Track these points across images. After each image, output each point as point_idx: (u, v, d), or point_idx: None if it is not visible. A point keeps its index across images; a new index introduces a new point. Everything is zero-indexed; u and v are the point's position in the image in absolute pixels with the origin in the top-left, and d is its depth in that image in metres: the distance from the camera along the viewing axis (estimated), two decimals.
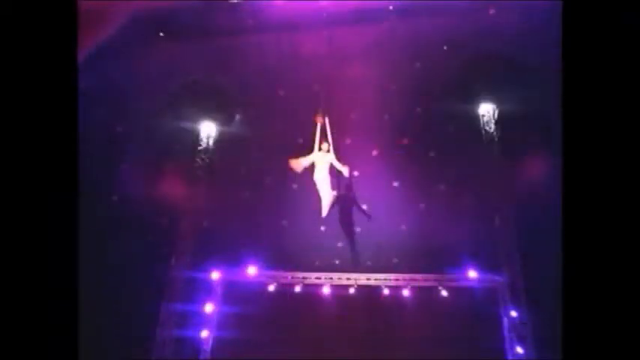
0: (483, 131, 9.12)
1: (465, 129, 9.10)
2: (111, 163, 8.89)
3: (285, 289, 8.54)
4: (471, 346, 7.63)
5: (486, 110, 9.20)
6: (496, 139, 9.00)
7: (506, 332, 7.91)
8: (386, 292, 8.44)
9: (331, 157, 7.31)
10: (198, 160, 9.37)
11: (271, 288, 8.51)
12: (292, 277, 8.59)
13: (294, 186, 8.78)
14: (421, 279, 8.44)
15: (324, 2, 9.00)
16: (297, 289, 8.51)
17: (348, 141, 8.87)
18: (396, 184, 9.06)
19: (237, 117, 9.70)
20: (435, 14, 8.96)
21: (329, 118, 7.46)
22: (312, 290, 8.56)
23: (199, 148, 9.44)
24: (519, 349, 7.66)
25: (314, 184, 7.30)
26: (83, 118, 3.81)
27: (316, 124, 7.43)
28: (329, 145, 7.36)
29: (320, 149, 7.32)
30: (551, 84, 4.86)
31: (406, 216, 8.82)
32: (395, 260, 8.62)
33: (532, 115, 8.38)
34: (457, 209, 8.61)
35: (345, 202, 8.18)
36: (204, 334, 8.31)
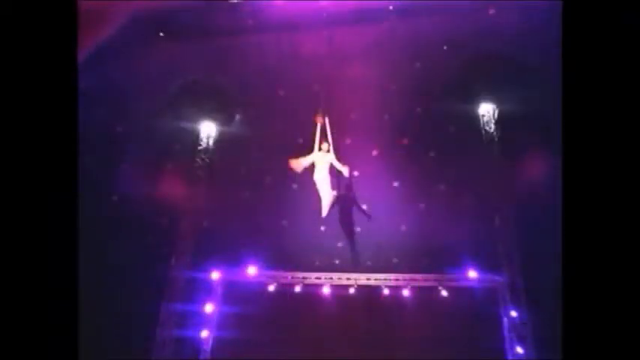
0: (483, 131, 9.13)
1: (465, 129, 9.11)
2: (111, 163, 8.89)
3: (285, 289, 8.55)
4: (471, 346, 7.64)
5: (486, 110, 9.21)
6: (496, 139, 9.01)
7: (506, 332, 7.92)
8: (386, 292, 8.45)
9: (331, 157, 7.28)
10: (198, 160, 9.39)
11: (271, 288, 8.52)
12: (292, 277, 8.61)
13: (294, 186, 8.78)
14: (421, 279, 8.45)
15: (324, 2, 9.00)
16: (297, 289, 8.52)
17: (348, 141, 8.86)
18: (396, 184, 9.07)
19: (237, 117, 9.72)
20: (435, 14, 8.97)
21: (329, 118, 7.44)
22: (312, 290, 8.58)
23: (199, 148, 9.46)
24: (519, 349, 7.67)
25: (314, 184, 7.28)
26: (83, 118, 3.81)
27: (316, 124, 7.41)
28: (329, 145, 7.33)
29: (320, 149, 7.30)
30: (551, 84, 4.86)
31: (406, 216, 8.82)
32: (395, 260, 8.63)
33: (532, 115, 8.37)
34: (457, 209, 8.61)
35: (345, 202, 8.16)
36: (204, 334, 8.31)
